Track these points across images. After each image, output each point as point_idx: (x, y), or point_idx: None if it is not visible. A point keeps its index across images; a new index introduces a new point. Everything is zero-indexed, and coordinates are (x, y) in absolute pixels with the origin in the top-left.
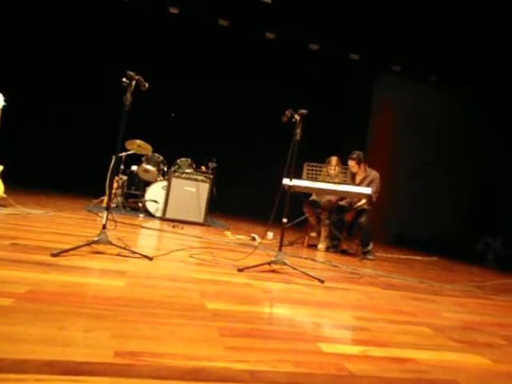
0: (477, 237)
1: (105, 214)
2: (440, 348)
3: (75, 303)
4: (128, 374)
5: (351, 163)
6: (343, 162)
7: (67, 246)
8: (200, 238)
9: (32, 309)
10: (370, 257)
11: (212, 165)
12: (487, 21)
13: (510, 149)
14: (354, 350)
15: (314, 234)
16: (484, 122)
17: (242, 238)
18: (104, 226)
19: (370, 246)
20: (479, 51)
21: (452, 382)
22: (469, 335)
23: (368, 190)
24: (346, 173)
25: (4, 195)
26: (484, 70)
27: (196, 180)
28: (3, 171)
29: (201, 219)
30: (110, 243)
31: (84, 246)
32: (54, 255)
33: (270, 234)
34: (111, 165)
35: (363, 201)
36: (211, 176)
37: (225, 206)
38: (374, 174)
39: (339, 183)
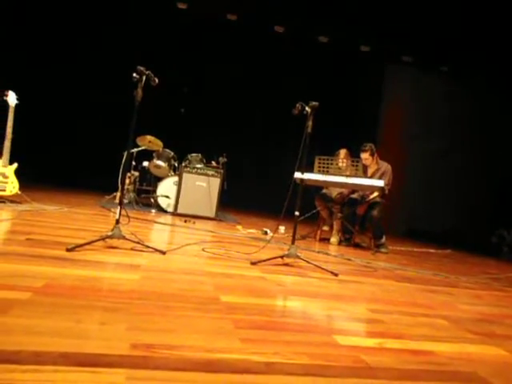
0: (491, 230)
1: (118, 209)
2: (457, 340)
3: (91, 297)
4: (145, 365)
5: (365, 155)
6: (353, 155)
7: (82, 241)
8: (212, 232)
9: (49, 302)
10: (383, 250)
11: (222, 160)
12: (501, 8)
13: None
14: (370, 342)
15: (326, 228)
16: (498, 112)
17: (254, 231)
18: (117, 221)
19: (383, 239)
20: (491, 39)
21: (472, 374)
22: (486, 327)
23: (380, 183)
24: (357, 165)
25: (19, 192)
26: (497, 59)
27: (207, 175)
28: (17, 169)
29: (212, 214)
30: (124, 238)
31: (98, 240)
32: (69, 250)
33: (282, 228)
34: (123, 161)
35: (375, 193)
36: (222, 171)
37: (236, 200)
38: (386, 166)
39: (351, 176)
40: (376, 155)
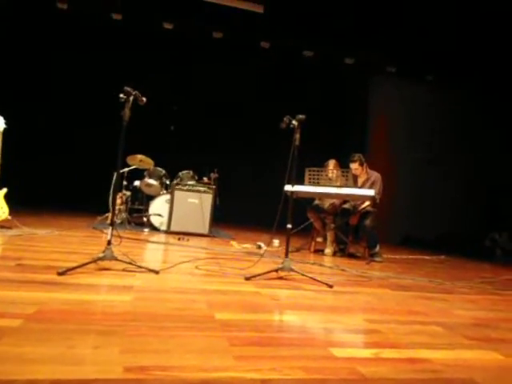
0: (484, 234)
1: (109, 230)
2: (453, 346)
3: (84, 321)
4: None
5: (354, 165)
6: (342, 165)
7: (73, 264)
8: (206, 248)
9: (41, 329)
10: (377, 259)
11: (214, 175)
12: (483, 18)
13: (510, 145)
14: (367, 352)
15: (320, 239)
16: (485, 118)
17: (248, 246)
18: (109, 242)
19: (377, 248)
20: (475, 48)
21: (468, 380)
22: (482, 332)
23: (371, 192)
24: (346, 175)
25: (9, 217)
26: (482, 69)
27: (199, 191)
28: (7, 193)
29: (206, 230)
30: (116, 259)
31: (90, 263)
32: (60, 274)
33: (276, 242)
34: (113, 181)
35: (367, 203)
36: (213, 187)
37: (229, 215)
38: (375, 176)
39: (341, 186)
40: (365, 165)
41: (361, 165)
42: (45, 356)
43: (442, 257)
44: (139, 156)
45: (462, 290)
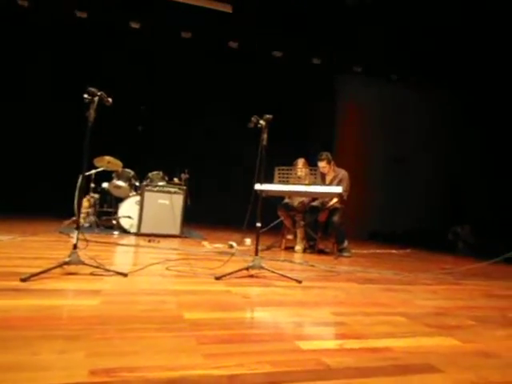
0: (447, 227)
1: (75, 233)
2: (414, 334)
3: (49, 326)
4: None
5: (322, 164)
6: (311, 164)
7: (38, 270)
8: (177, 249)
9: (3, 336)
10: (345, 254)
11: (184, 176)
12: (445, 16)
13: (473, 141)
14: (332, 344)
15: (290, 237)
16: (447, 116)
17: (220, 246)
18: (75, 246)
19: (346, 244)
20: (438, 47)
21: (425, 365)
22: (441, 320)
23: (339, 189)
24: (315, 174)
25: None
26: (444, 66)
27: (169, 192)
28: None
29: (177, 231)
30: (83, 263)
31: (55, 268)
32: (23, 280)
33: (248, 240)
34: (78, 184)
35: (335, 200)
36: (184, 187)
37: (201, 216)
38: (343, 173)
39: (310, 184)
40: (333, 163)
41: (328, 163)
42: (8, 363)
43: (408, 250)
44: (107, 157)
45: (425, 282)
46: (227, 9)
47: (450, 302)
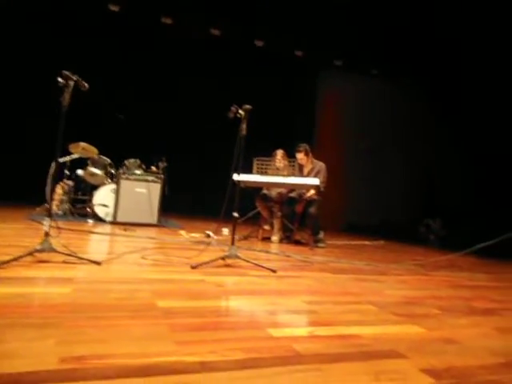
0: (420, 220)
1: (47, 221)
2: (382, 322)
3: (17, 314)
4: (73, 378)
5: (299, 155)
6: (290, 155)
7: (7, 258)
8: (153, 238)
9: None
10: (321, 245)
11: (162, 164)
12: (424, 14)
13: (445, 134)
14: (302, 331)
15: (267, 227)
16: (423, 109)
17: (197, 236)
18: (47, 234)
19: (321, 235)
20: (418, 42)
21: (391, 351)
22: (408, 309)
23: (316, 181)
24: (293, 165)
25: None
26: (423, 62)
27: (146, 181)
28: None
29: (154, 220)
30: (55, 251)
31: (26, 255)
32: None
33: (226, 230)
34: (51, 170)
35: (312, 191)
36: (162, 176)
37: (179, 205)
38: (320, 165)
39: (288, 176)
40: (310, 155)
41: (306, 155)
42: None
43: (381, 242)
44: (82, 144)
45: (396, 272)
46: None
47: (419, 291)
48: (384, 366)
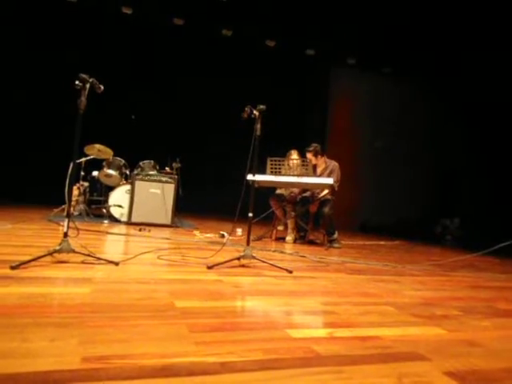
0: (436, 219)
1: (66, 221)
2: (402, 324)
3: (39, 314)
4: (97, 377)
5: (308, 155)
6: (303, 155)
7: (28, 258)
8: (168, 239)
9: None
10: (335, 245)
11: (176, 165)
12: (439, 10)
13: (464, 134)
14: (322, 332)
15: (281, 228)
16: (439, 108)
17: (211, 236)
18: (65, 234)
19: (336, 235)
20: (431, 41)
21: (413, 353)
22: (428, 310)
23: (330, 181)
24: (307, 165)
25: None
26: (438, 59)
27: (160, 181)
28: None
29: (168, 221)
30: (73, 251)
31: (45, 256)
32: (13, 268)
33: (239, 231)
34: (69, 171)
35: (326, 191)
36: (176, 176)
37: (193, 205)
38: (333, 165)
39: (301, 175)
40: (322, 154)
41: (315, 155)
42: None
43: (396, 242)
44: (97, 145)
45: (413, 273)
46: None
47: (438, 292)
48: (406, 368)
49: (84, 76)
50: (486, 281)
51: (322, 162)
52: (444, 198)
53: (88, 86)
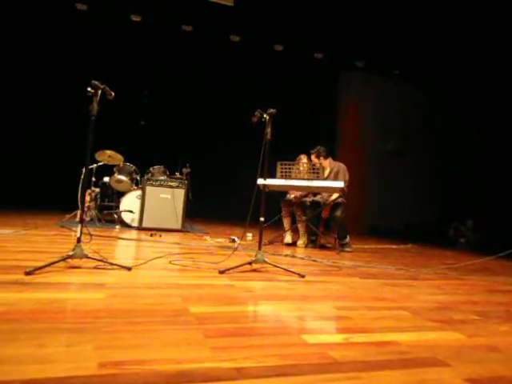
0: (448, 222)
1: (79, 227)
2: (419, 329)
3: (54, 319)
4: (114, 383)
5: (311, 157)
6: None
7: (41, 264)
8: (179, 244)
9: (8, 329)
10: (347, 249)
11: (186, 170)
12: (446, 10)
13: (477, 135)
14: (337, 338)
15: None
16: (449, 111)
17: (222, 240)
18: (79, 240)
19: (347, 239)
20: (440, 41)
21: (432, 358)
22: (445, 314)
23: (340, 184)
24: (318, 169)
25: None
26: (446, 60)
27: (171, 187)
28: None
29: (178, 226)
30: (86, 256)
31: (59, 261)
32: (28, 273)
33: (250, 235)
34: (81, 177)
35: (336, 195)
36: (186, 181)
37: (203, 210)
38: (338, 165)
39: (311, 179)
40: (326, 157)
41: (317, 156)
42: (14, 356)
43: (409, 245)
44: (108, 151)
45: (427, 277)
46: (229, 2)
47: (453, 296)
48: (426, 374)
49: (96, 82)
50: (503, 284)
51: (327, 165)
52: (456, 200)
53: (100, 92)
